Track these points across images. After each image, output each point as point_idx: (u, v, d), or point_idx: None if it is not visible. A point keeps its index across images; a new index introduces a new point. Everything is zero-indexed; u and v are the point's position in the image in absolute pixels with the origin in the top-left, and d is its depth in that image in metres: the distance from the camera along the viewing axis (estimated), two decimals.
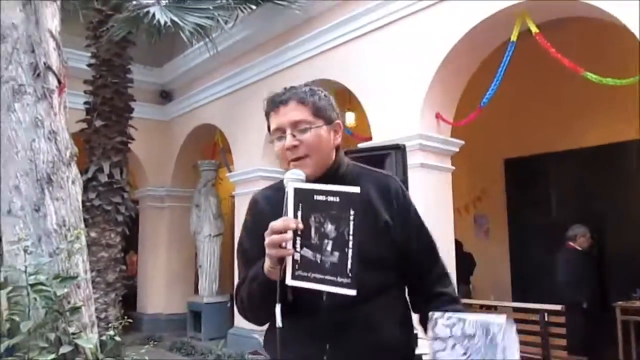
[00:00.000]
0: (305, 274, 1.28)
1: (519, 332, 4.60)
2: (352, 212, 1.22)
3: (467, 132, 6.09)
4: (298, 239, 1.28)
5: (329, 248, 1.24)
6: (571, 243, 5.93)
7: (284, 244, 1.29)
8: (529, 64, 6.46)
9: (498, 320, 1.25)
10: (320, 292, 1.34)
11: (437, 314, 1.30)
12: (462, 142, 5.88)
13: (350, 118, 7.90)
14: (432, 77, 5.48)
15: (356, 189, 1.23)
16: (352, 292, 1.25)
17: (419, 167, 5.39)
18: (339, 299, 1.33)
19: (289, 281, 1.30)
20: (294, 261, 1.29)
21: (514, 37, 4.99)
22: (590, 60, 5.35)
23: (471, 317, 1.27)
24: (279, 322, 1.31)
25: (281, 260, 1.31)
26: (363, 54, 6.20)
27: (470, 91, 5.81)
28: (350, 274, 1.23)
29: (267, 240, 1.30)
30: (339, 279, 1.24)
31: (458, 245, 6.76)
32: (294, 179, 1.38)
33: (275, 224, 1.30)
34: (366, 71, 6.15)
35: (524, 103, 7.48)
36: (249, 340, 6.81)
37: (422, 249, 1.59)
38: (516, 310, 5.75)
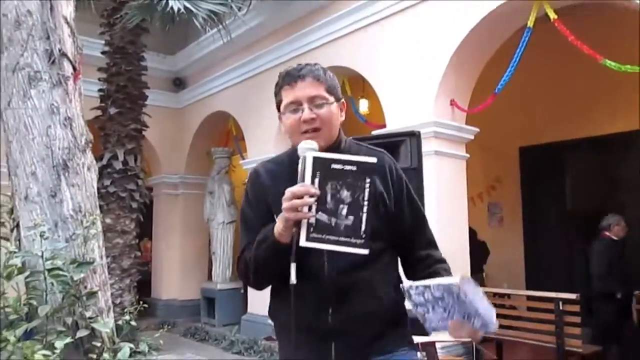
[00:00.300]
0: (320, 236, 1.36)
1: (533, 320, 4.57)
2: (367, 180, 1.33)
3: (482, 120, 6.04)
4: (314, 203, 1.36)
5: (344, 212, 1.35)
6: (607, 233, 5.82)
7: (301, 208, 1.36)
8: (545, 51, 6.37)
9: (453, 281, 1.36)
10: (322, 259, 1.50)
11: (406, 286, 1.43)
12: (477, 129, 5.84)
13: (364, 105, 7.86)
14: (446, 63, 5.42)
15: (373, 159, 1.36)
16: (365, 252, 1.38)
17: (433, 155, 5.36)
18: (340, 265, 1.51)
19: (303, 243, 1.38)
20: (309, 224, 1.37)
21: (530, 23, 4.91)
22: (607, 46, 5.26)
23: (433, 282, 1.40)
24: (293, 279, 1.39)
25: (295, 224, 1.40)
26: (377, 40, 6.15)
27: (485, 78, 5.75)
28: (364, 235, 1.35)
29: (287, 204, 1.38)
30: (353, 240, 1.36)
31: (472, 233, 6.73)
32: (309, 148, 1.47)
33: (294, 189, 1.38)
34: (380, 58, 6.11)
35: (540, 90, 7.39)
36: (262, 327, 6.86)
37: (414, 221, 1.71)
38: (530, 298, 5.74)
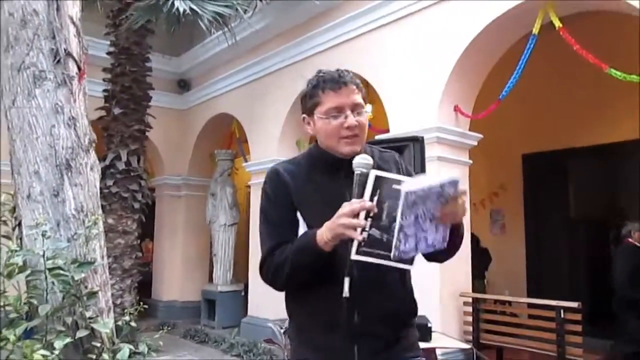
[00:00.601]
0: (370, 250, 1.41)
1: (534, 328, 4.55)
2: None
3: (486, 126, 6.03)
4: (369, 219, 1.41)
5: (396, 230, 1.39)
6: (630, 240, 5.78)
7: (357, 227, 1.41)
8: (550, 58, 6.37)
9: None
10: (348, 265, 1.48)
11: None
12: (481, 135, 5.83)
13: (367, 110, 7.85)
14: (451, 69, 5.42)
15: (456, 176, 1.44)
16: (410, 267, 1.50)
17: (436, 160, 5.35)
18: (365, 266, 1.47)
19: (354, 256, 1.42)
20: (362, 239, 1.41)
21: (535, 30, 4.91)
22: (612, 55, 5.25)
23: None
24: (346, 292, 1.44)
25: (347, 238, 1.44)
26: (382, 45, 6.16)
27: (489, 85, 5.74)
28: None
29: (343, 220, 1.41)
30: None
31: (474, 240, 6.71)
32: (367, 164, 1.49)
33: (355, 206, 1.41)
34: (385, 62, 6.11)
35: (544, 98, 7.38)
36: (262, 329, 6.83)
37: None
38: (531, 306, 5.72)
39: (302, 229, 1.61)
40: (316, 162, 1.68)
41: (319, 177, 1.64)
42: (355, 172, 1.47)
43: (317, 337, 1.60)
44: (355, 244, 1.41)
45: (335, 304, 1.51)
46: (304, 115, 1.71)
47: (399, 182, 1.39)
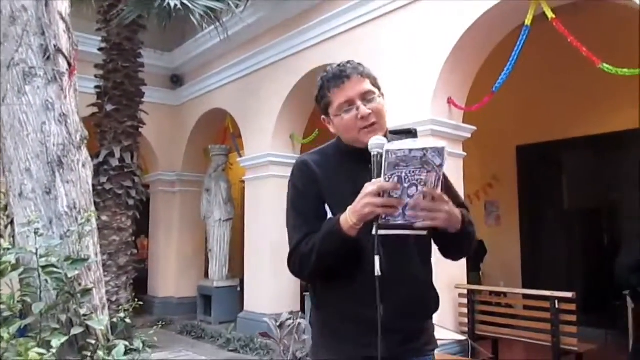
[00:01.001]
0: (387, 223, 1.44)
1: (529, 318, 4.57)
2: (438, 163, 1.37)
3: (479, 118, 6.04)
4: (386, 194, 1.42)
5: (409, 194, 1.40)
6: None
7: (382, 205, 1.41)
8: (543, 50, 6.37)
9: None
10: (374, 251, 1.46)
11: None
12: (474, 128, 5.84)
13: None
14: (444, 62, 5.42)
15: (443, 143, 1.38)
16: (424, 232, 1.53)
17: None
18: (392, 257, 1.52)
19: (380, 232, 1.43)
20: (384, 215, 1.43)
21: (528, 22, 4.90)
22: (605, 46, 5.27)
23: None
24: (378, 271, 1.42)
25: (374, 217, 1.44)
26: (374, 38, 6.14)
27: (483, 76, 5.75)
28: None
29: (368, 200, 1.41)
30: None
31: None
32: (379, 144, 1.46)
33: (374, 186, 1.40)
34: (378, 55, 6.09)
35: (537, 89, 7.40)
36: (258, 324, 6.84)
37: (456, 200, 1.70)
38: (526, 297, 5.74)
39: None
40: (345, 154, 1.68)
41: (350, 167, 1.64)
42: (372, 154, 1.46)
43: (342, 329, 1.61)
44: (376, 222, 1.42)
45: (362, 294, 1.52)
46: (323, 117, 1.73)
47: (409, 149, 1.37)
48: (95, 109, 7.13)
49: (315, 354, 1.75)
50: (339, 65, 1.67)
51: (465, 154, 5.82)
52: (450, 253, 1.74)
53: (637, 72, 4.41)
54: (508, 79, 5.14)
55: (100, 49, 7.24)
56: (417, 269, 1.65)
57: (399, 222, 1.45)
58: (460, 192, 5.67)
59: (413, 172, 1.38)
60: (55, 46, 2.64)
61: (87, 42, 6.81)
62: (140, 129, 7.40)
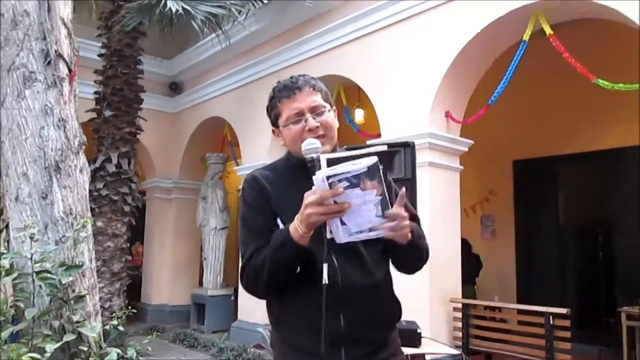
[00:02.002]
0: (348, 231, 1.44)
1: (523, 334, 4.54)
2: (378, 174, 1.37)
3: (477, 133, 6.06)
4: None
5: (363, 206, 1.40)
6: None
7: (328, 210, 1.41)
8: (540, 65, 6.41)
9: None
10: (333, 263, 1.50)
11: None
12: (471, 141, 5.85)
13: (359, 115, 7.87)
14: (442, 75, 5.44)
15: (383, 147, 1.42)
16: (382, 234, 1.46)
17: (427, 166, 5.36)
18: (350, 268, 1.55)
19: (342, 239, 1.45)
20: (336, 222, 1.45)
21: (526, 37, 4.94)
22: (602, 62, 5.31)
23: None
24: (325, 279, 1.42)
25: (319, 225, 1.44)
26: (374, 50, 6.17)
27: (481, 91, 5.77)
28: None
29: (311, 210, 1.40)
30: (373, 227, 1.44)
31: (467, 245, 6.73)
32: (316, 148, 1.48)
33: (325, 193, 1.39)
34: (377, 68, 6.13)
35: (534, 104, 7.43)
36: (252, 334, 6.82)
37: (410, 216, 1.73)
38: (521, 312, 5.73)
39: None
40: (294, 167, 1.67)
41: (300, 180, 1.58)
42: (307, 160, 1.45)
43: (302, 343, 1.58)
44: (334, 228, 1.43)
45: (318, 306, 1.50)
46: (272, 128, 1.72)
47: (349, 158, 1.38)
48: (94, 115, 7.13)
49: None
50: (291, 77, 1.67)
51: (462, 167, 5.84)
52: (400, 265, 1.72)
53: (634, 87, 4.44)
54: (506, 93, 5.16)
55: (100, 55, 7.26)
56: (376, 277, 1.62)
57: (355, 230, 1.45)
58: (457, 205, 5.72)
59: (354, 176, 1.38)
60: (56, 51, 2.65)
61: (88, 48, 6.82)
62: (137, 136, 7.40)
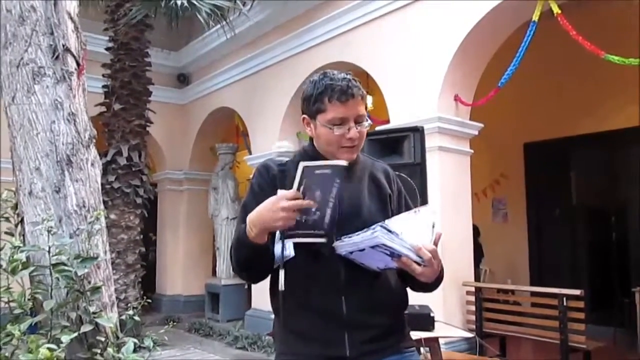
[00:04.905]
0: (291, 232, 1.50)
1: (537, 316, 4.53)
2: (337, 181, 1.44)
3: (487, 116, 6.02)
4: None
5: (313, 209, 1.47)
6: None
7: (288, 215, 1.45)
8: (551, 45, 6.34)
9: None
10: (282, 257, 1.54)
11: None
12: (481, 125, 5.82)
13: (368, 101, 7.83)
14: (451, 58, 5.41)
15: (344, 162, 1.46)
16: (323, 240, 1.50)
17: (437, 150, 5.35)
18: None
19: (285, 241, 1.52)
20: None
21: (535, 17, 4.88)
22: (613, 40, 5.23)
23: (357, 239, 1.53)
24: (282, 286, 1.49)
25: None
26: (381, 36, 6.14)
27: (490, 73, 5.73)
28: (326, 227, 1.49)
29: (285, 214, 1.43)
30: (316, 232, 1.50)
31: (475, 231, 6.70)
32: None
33: (291, 203, 1.44)
34: (384, 53, 6.09)
35: (544, 86, 7.36)
36: (266, 322, 6.87)
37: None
38: (534, 294, 5.73)
39: None
40: (310, 160, 1.65)
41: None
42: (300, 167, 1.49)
43: (304, 329, 1.59)
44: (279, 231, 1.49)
45: (324, 294, 1.56)
46: (305, 116, 1.70)
47: (320, 167, 1.45)
48: (103, 109, 7.18)
49: (281, 350, 1.71)
50: (344, 79, 1.63)
51: (472, 151, 5.81)
52: (415, 289, 1.73)
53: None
54: (515, 75, 5.12)
55: (107, 49, 7.29)
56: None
57: (300, 232, 1.50)
58: (468, 190, 5.70)
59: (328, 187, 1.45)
60: (64, 46, 2.66)
61: (95, 42, 6.84)
62: (147, 128, 7.45)
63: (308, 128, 1.71)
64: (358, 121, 1.63)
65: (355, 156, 1.67)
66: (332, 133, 1.61)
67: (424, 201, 2.97)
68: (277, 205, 1.43)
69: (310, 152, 1.72)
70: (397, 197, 1.78)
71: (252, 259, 1.57)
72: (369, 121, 1.69)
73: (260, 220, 1.47)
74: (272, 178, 1.67)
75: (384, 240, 1.45)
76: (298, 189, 1.44)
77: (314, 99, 1.64)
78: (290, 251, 1.55)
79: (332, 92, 1.61)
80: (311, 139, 1.74)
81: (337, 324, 1.55)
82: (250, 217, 1.50)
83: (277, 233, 1.51)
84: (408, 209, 1.77)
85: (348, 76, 1.65)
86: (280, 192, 1.45)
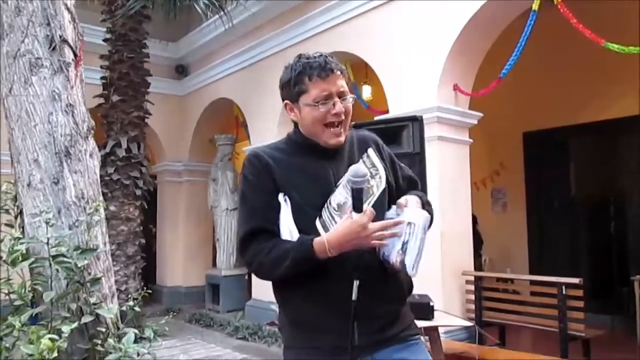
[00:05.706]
0: None
1: (536, 304, 4.54)
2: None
3: (486, 105, 6.01)
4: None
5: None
6: None
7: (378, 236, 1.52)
8: (550, 35, 6.31)
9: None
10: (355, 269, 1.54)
11: None
12: (481, 114, 5.81)
13: (367, 91, 7.83)
14: (450, 48, 5.39)
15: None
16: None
17: (436, 140, 5.34)
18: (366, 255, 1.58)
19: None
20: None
21: (535, 6, 4.85)
22: (613, 28, 5.21)
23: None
24: (355, 296, 1.50)
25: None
26: (380, 25, 6.11)
27: (489, 63, 5.71)
28: None
29: (374, 238, 1.51)
30: None
31: (473, 219, 6.70)
32: (362, 180, 1.52)
33: (386, 231, 1.53)
34: (383, 43, 6.07)
35: (544, 74, 7.34)
36: (266, 312, 6.90)
37: (406, 178, 1.84)
38: (533, 283, 5.74)
39: (285, 211, 1.59)
40: (299, 147, 1.69)
41: (303, 159, 1.65)
42: (354, 186, 1.51)
43: (311, 321, 1.58)
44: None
45: (333, 284, 1.54)
46: (287, 101, 1.69)
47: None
48: (102, 100, 7.15)
49: (288, 339, 1.70)
50: (320, 56, 1.64)
51: (471, 140, 5.81)
52: None
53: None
54: (515, 65, 5.10)
55: (105, 40, 7.25)
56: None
57: None
58: (467, 179, 5.70)
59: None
60: (60, 37, 2.64)
61: (92, 33, 6.81)
62: (146, 119, 7.43)
63: (292, 113, 1.70)
64: (341, 97, 1.62)
65: (343, 140, 1.66)
66: (318, 110, 1.61)
67: (424, 190, 2.97)
68: (367, 232, 1.49)
69: (295, 138, 1.72)
70: (390, 165, 1.77)
71: (298, 269, 1.56)
72: (353, 96, 1.69)
73: (350, 245, 1.51)
74: (265, 165, 1.64)
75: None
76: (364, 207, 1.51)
77: (294, 81, 1.65)
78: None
79: (310, 70, 1.61)
80: (296, 125, 1.73)
81: (347, 314, 1.52)
82: (330, 242, 1.50)
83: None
84: (403, 174, 1.81)
85: (323, 54, 1.66)
86: (359, 218, 1.49)
